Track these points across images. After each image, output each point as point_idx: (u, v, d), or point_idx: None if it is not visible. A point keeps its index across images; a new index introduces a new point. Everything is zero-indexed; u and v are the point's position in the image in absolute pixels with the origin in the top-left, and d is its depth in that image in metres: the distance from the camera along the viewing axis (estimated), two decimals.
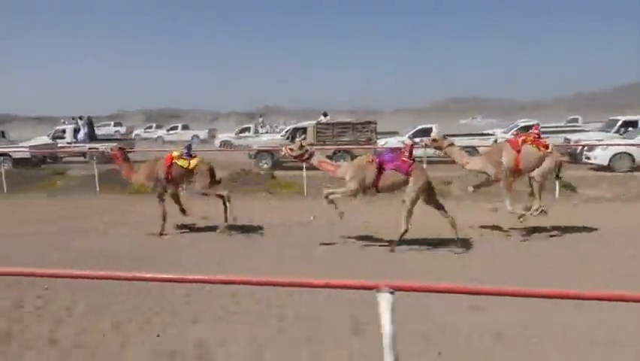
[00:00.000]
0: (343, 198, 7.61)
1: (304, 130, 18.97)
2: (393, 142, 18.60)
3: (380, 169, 7.40)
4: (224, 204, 8.76)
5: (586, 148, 16.73)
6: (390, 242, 7.59)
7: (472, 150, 14.42)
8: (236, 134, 29.57)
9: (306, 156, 7.90)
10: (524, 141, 8.20)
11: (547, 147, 8.21)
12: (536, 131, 8.47)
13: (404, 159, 7.43)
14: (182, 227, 9.29)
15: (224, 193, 8.81)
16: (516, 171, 8.20)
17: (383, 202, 10.39)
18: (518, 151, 8.11)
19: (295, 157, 7.99)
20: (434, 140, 8.46)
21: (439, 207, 7.69)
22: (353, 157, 14.41)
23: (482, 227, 8.77)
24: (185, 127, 40.46)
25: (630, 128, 18.60)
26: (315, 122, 19.37)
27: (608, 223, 8.82)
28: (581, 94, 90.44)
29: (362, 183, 7.41)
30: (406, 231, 7.36)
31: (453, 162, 8.65)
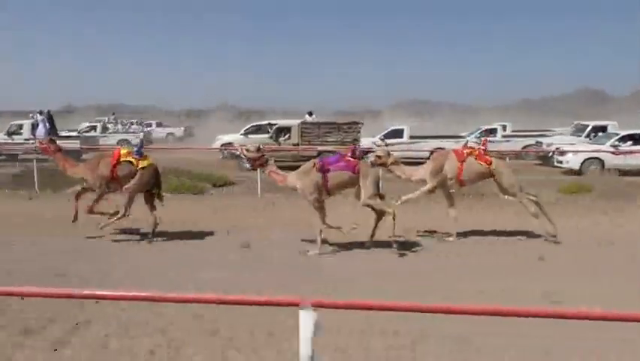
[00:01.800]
0: (321, 215, 7.60)
1: (288, 130, 19.01)
2: (364, 143, 17.91)
3: (325, 172, 7.47)
4: (152, 211, 8.45)
5: (557, 153, 17.57)
6: (366, 241, 7.84)
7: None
8: (79, 132, 26.46)
9: (261, 162, 7.81)
10: (469, 154, 8.33)
11: (490, 163, 8.22)
12: (484, 147, 8.54)
13: (348, 159, 7.54)
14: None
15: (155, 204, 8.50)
16: (458, 182, 8.38)
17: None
18: (462, 162, 8.26)
19: (250, 160, 7.89)
20: (378, 156, 8.30)
21: (383, 201, 7.81)
22: None
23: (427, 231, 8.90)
24: (159, 124, 39.96)
25: (600, 133, 19.57)
26: (299, 121, 19.50)
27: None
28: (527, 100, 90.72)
29: (315, 188, 7.47)
30: (394, 214, 7.38)
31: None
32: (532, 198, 8.30)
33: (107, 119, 33.63)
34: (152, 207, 8.50)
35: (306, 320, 2.47)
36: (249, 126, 22.75)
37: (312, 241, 7.70)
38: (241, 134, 21.51)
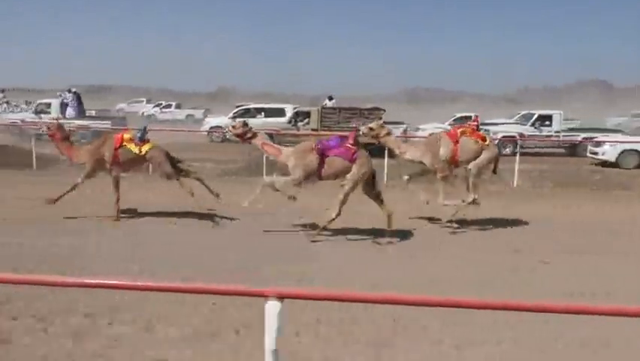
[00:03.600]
0: (287, 187, 7.40)
1: (307, 114, 18.47)
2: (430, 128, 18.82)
3: (323, 156, 7.25)
4: (203, 184, 8.32)
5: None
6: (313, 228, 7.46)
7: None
8: None
9: (249, 135, 7.68)
10: (462, 133, 8.18)
11: (484, 139, 8.24)
12: (475, 123, 8.51)
13: (349, 145, 7.28)
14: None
15: (194, 176, 8.48)
16: (453, 163, 8.15)
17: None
18: (456, 142, 8.08)
19: (237, 135, 7.75)
20: (371, 128, 8.17)
21: (378, 197, 7.51)
22: None
23: (412, 218, 8.56)
24: (178, 106, 39.18)
25: (547, 122, 19.78)
26: (319, 106, 18.90)
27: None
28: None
29: (306, 171, 7.25)
30: (337, 216, 7.18)
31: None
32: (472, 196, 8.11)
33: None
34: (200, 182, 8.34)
35: (271, 311, 2.40)
36: (237, 109, 22.97)
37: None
38: (230, 118, 20.71)
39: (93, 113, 25.01)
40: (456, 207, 8.11)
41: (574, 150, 18.99)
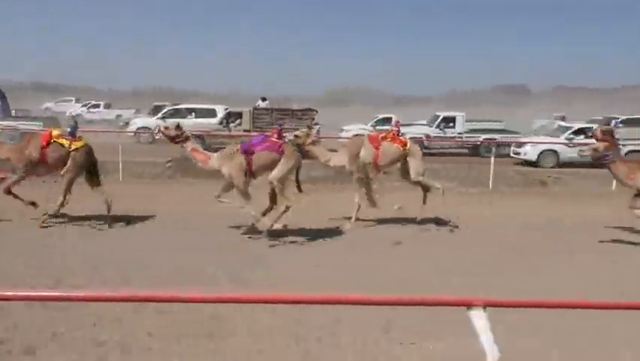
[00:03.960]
0: (245, 200, 7.32)
1: (239, 115, 18.08)
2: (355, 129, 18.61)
3: (249, 154, 7.27)
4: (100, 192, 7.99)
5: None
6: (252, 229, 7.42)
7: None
8: None
9: (181, 138, 7.52)
10: (384, 138, 8.34)
11: (405, 144, 8.36)
12: (396, 129, 8.72)
13: (273, 140, 7.40)
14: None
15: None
16: (374, 167, 8.31)
17: None
18: (377, 147, 8.22)
19: (169, 138, 7.59)
20: (297, 136, 8.21)
21: (299, 187, 7.67)
22: None
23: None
24: (107, 105, 36.81)
25: (451, 124, 20.52)
26: (251, 107, 18.56)
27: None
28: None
29: (241, 171, 7.25)
30: (288, 208, 7.16)
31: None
32: (437, 186, 8.36)
33: None
34: (99, 188, 8.00)
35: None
36: (166, 110, 21.82)
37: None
38: (158, 118, 19.99)
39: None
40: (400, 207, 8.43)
41: (476, 150, 19.20)
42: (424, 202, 8.35)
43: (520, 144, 17.63)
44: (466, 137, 20.06)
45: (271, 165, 7.32)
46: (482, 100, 69.92)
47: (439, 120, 20.61)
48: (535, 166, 16.49)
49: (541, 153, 16.98)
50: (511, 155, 17.78)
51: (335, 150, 8.92)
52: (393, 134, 8.45)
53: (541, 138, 18.99)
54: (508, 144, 18.03)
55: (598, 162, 7.20)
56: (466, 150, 20.22)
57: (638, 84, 75.64)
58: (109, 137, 16.35)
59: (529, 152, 17.12)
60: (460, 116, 21.11)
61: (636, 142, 15.41)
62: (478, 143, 18.92)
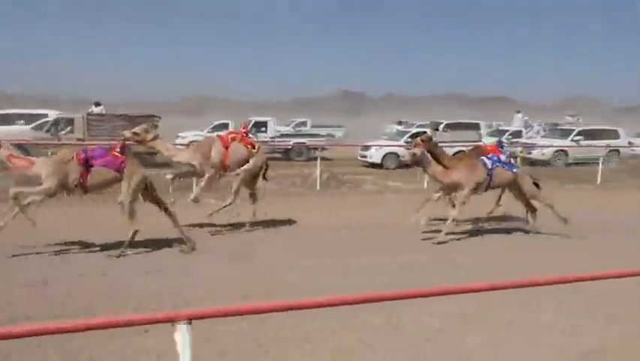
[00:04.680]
0: (40, 201, 6.64)
1: (70, 122, 16.12)
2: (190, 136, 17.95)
3: (87, 166, 6.73)
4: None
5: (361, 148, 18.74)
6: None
7: None
8: None
9: None
10: (233, 139, 8.50)
11: (254, 146, 8.62)
12: (244, 130, 9.00)
13: (115, 154, 6.91)
14: None
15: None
16: (223, 167, 8.41)
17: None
18: (227, 147, 8.36)
19: None
20: (135, 133, 7.71)
21: (160, 203, 7.23)
22: None
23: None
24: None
25: (263, 128, 21.43)
26: (84, 113, 16.60)
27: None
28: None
29: (62, 182, 6.61)
30: (136, 231, 6.77)
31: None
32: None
33: None
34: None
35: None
36: None
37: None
38: None
39: None
40: (224, 209, 8.42)
41: (287, 154, 19.69)
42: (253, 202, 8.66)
43: (366, 147, 18.46)
44: (278, 141, 20.59)
45: (109, 183, 6.91)
46: (327, 106, 73.40)
47: (250, 125, 20.35)
48: (380, 168, 17.38)
49: (385, 155, 17.93)
50: (358, 158, 18.57)
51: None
52: (242, 135, 8.61)
53: (383, 142, 20.10)
54: (316, 148, 18.92)
55: (416, 165, 8.30)
56: (278, 155, 19.87)
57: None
58: None
59: (374, 155, 18.02)
60: (271, 121, 21.80)
61: (460, 144, 16.88)
62: (289, 147, 19.68)
